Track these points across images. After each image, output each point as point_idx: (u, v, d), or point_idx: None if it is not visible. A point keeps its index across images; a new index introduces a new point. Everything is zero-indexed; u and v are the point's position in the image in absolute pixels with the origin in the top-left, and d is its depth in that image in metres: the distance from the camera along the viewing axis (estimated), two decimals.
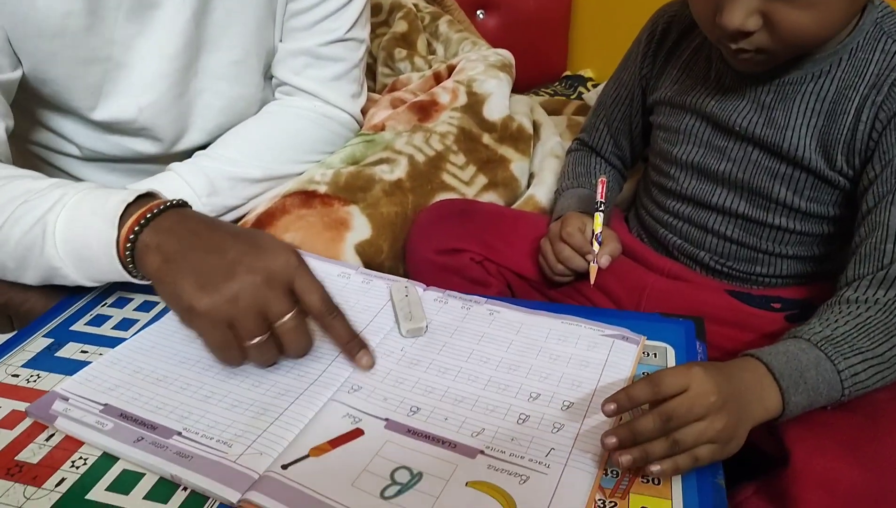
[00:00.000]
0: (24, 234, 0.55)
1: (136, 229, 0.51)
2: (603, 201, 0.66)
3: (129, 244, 0.52)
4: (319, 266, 0.66)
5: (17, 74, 0.65)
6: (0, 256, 0.56)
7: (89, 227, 0.53)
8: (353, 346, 0.53)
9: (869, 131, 0.56)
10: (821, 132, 0.58)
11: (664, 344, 0.57)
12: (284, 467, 0.44)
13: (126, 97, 0.71)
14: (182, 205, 0.55)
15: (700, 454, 0.44)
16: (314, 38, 0.78)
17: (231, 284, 0.47)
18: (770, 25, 0.52)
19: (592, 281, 0.65)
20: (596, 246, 0.65)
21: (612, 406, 0.45)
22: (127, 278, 0.54)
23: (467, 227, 0.71)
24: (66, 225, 0.54)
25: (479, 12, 1.42)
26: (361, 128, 0.86)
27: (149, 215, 0.52)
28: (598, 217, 0.65)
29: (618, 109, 0.76)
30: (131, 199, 0.53)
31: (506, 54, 0.98)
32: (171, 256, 0.50)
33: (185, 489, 0.44)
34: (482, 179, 0.82)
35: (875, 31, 0.57)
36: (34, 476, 0.45)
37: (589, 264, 0.65)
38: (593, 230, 0.65)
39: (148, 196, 0.55)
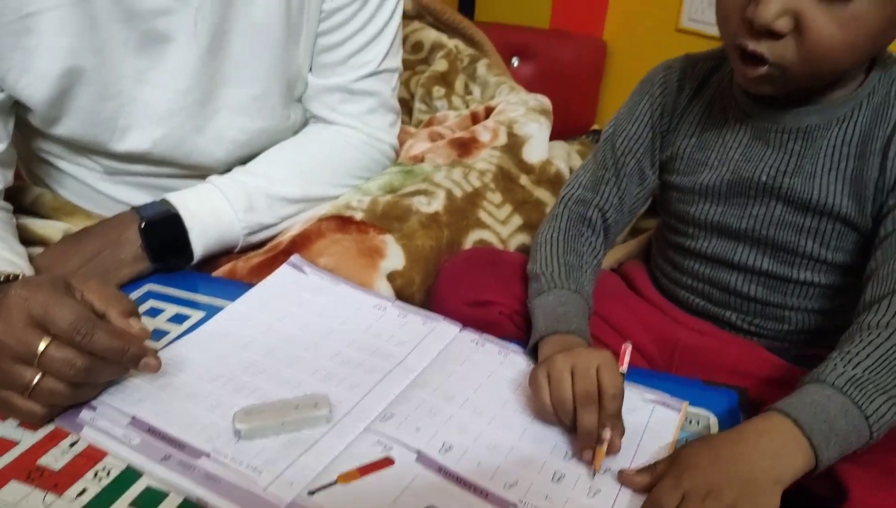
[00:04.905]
0: None
1: None
2: (625, 371, 0.53)
3: None
4: (354, 295, 0.65)
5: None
6: None
7: None
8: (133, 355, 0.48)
9: None
10: (853, 176, 0.58)
11: (707, 412, 0.56)
12: (311, 493, 0.43)
13: (140, 130, 0.71)
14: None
15: None
16: (347, 74, 0.77)
17: None
18: (799, 32, 0.51)
19: (598, 469, 0.49)
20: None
21: None
22: None
23: (497, 277, 0.68)
24: None
25: (513, 59, 1.44)
26: (398, 156, 0.86)
27: None
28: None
29: (628, 161, 0.68)
30: None
31: (544, 100, 0.99)
32: None
33: None
34: (517, 220, 0.82)
35: (885, 78, 0.58)
36: (55, 483, 0.43)
37: (598, 444, 0.49)
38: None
39: None
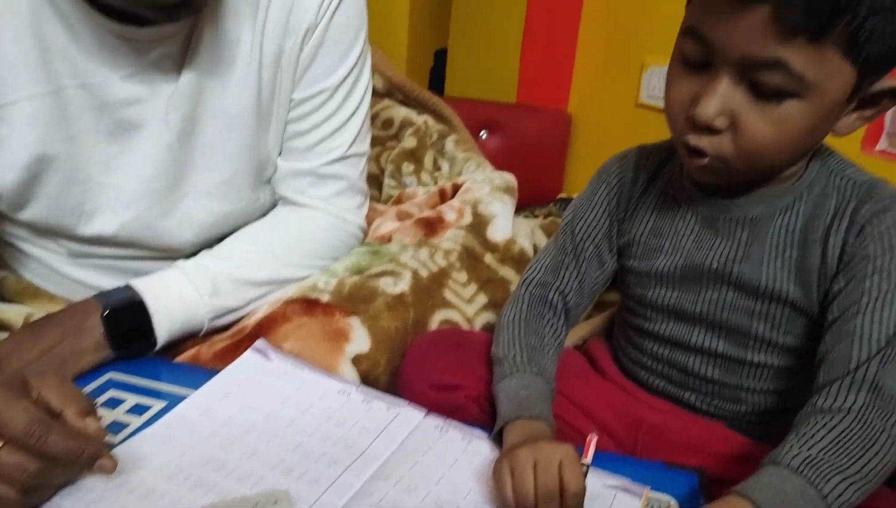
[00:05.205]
0: None
1: None
2: (590, 463, 0.54)
3: None
4: (318, 381, 0.65)
5: None
6: None
7: None
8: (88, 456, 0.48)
9: (839, 254, 0.59)
10: (797, 263, 0.61)
11: (668, 497, 0.56)
12: None
13: (107, 214, 0.72)
14: None
15: None
16: (315, 160, 0.79)
17: None
18: (735, 130, 0.55)
19: None
20: None
21: None
22: None
23: (463, 360, 0.69)
24: None
25: (482, 132, 1.49)
26: (366, 235, 0.88)
27: None
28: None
29: (587, 247, 0.71)
30: None
31: (509, 178, 1.02)
32: None
33: None
34: (482, 299, 0.83)
35: (823, 170, 0.62)
36: None
37: None
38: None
39: None
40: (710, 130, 0.55)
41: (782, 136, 0.55)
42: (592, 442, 0.56)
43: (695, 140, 0.57)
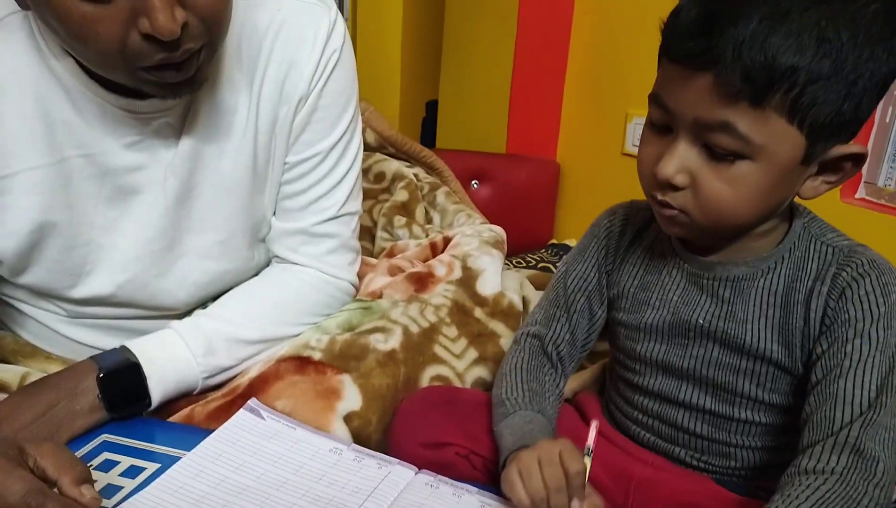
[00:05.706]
0: None
1: None
2: (591, 446, 0.59)
3: None
4: (310, 440, 0.66)
5: None
6: None
7: None
8: None
9: (821, 317, 0.61)
10: (780, 323, 0.63)
11: None
12: None
13: (104, 276, 0.74)
14: None
15: None
16: (308, 219, 0.81)
17: None
18: (695, 188, 0.58)
19: None
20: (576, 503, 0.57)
21: None
22: None
23: (453, 417, 0.70)
24: None
25: (473, 182, 1.53)
26: (358, 291, 0.90)
27: None
28: (587, 463, 0.59)
29: (578, 299, 0.74)
30: None
31: (498, 231, 1.04)
32: None
33: None
34: (473, 353, 0.84)
35: (805, 235, 0.64)
36: None
37: None
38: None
39: None
40: (672, 186, 0.59)
41: (739, 195, 0.57)
42: (593, 426, 0.60)
43: (660, 195, 0.60)
